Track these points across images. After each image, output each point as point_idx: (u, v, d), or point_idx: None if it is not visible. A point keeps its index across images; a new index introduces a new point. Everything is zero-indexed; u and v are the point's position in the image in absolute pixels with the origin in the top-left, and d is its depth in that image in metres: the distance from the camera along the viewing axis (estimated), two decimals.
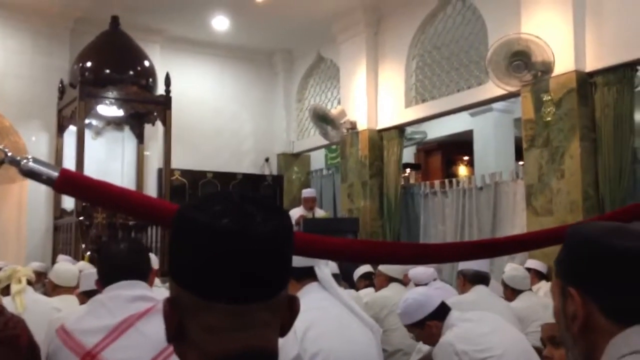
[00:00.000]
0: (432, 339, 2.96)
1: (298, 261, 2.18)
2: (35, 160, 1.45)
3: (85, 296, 3.43)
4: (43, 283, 5.01)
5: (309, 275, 2.23)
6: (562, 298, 1.08)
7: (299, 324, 2.06)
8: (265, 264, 0.86)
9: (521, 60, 6.01)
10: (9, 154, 1.45)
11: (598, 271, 1.04)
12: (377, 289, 5.01)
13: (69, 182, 1.45)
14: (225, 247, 0.84)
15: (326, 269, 2.27)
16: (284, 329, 0.92)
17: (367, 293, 5.07)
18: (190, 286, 0.86)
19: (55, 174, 1.43)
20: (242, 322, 0.86)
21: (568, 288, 1.06)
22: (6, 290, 3.93)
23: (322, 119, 8.43)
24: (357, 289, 5.40)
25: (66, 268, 4.60)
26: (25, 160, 1.44)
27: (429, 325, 2.93)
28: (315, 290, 2.22)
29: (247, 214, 0.86)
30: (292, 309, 0.92)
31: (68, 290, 4.44)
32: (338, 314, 2.21)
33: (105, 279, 2.07)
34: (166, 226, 1.68)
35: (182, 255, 0.88)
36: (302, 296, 2.22)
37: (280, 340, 2.15)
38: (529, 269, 5.45)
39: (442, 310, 2.94)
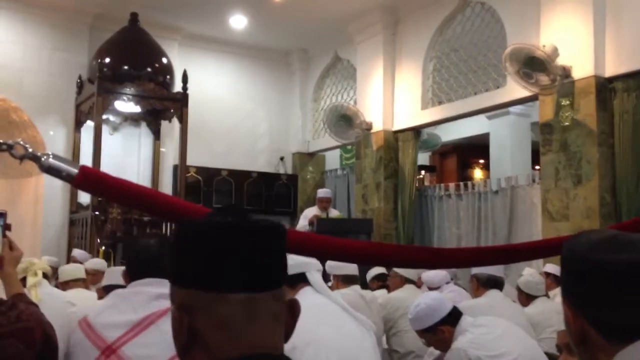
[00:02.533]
0: (443, 344, 2.94)
1: (290, 268, 2.21)
2: (55, 157, 1.45)
3: (104, 291, 3.45)
4: (55, 277, 5.06)
5: (301, 280, 2.31)
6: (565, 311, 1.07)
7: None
8: (269, 253, 0.94)
9: (530, 69, 5.96)
10: (30, 149, 1.46)
11: (584, 286, 1.02)
12: (391, 290, 5.00)
13: (88, 179, 1.45)
14: (232, 239, 0.91)
15: (317, 274, 2.34)
16: (287, 334, 0.97)
17: (381, 294, 5.06)
18: (201, 283, 0.91)
19: (75, 170, 1.43)
20: (253, 310, 0.91)
21: (564, 302, 1.05)
22: (22, 283, 3.96)
23: (343, 117, 8.41)
24: (371, 290, 5.40)
25: (69, 266, 4.79)
26: (45, 157, 1.45)
27: (441, 330, 2.92)
28: (309, 294, 2.30)
29: (246, 217, 0.95)
30: (292, 313, 0.98)
31: (77, 283, 4.50)
32: (332, 311, 2.27)
33: (133, 273, 2.07)
34: None
35: (190, 256, 0.93)
36: (297, 299, 2.25)
37: None
38: (547, 274, 5.41)
39: (454, 316, 2.92)
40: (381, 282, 5.57)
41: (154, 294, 1.95)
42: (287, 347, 2.02)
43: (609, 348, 1.00)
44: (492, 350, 2.73)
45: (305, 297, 2.25)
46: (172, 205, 1.53)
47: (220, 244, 0.91)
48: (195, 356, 0.91)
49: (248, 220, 0.93)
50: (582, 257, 1.02)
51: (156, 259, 2.03)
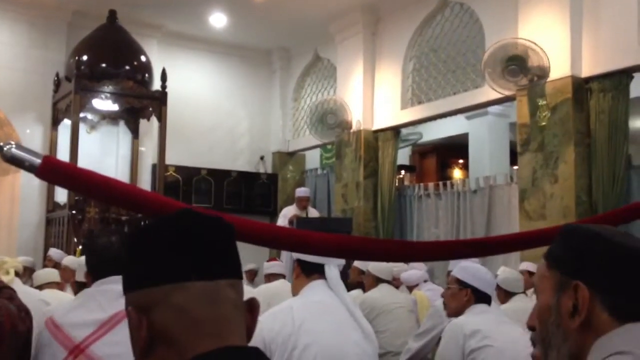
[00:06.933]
0: (451, 301, 2.99)
1: (310, 256, 2.23)
2: (19, 147, 1.43)
3: (78, 287, 3.41)
4: (30, 277, 5.01)
5: (318, 271, 2.31)
6: (558, 292, 1.07)
7: (297, 313, 2.12)
8: (221, 241, 0.94)
9: (517, 65, 6.01)
10: None
11: (612, 269, 1.04)
12: (365, 290, 5.00)
13: (52, 169, 1.43)
14: (182, 230, 0.92)
15: (335, 269, 2.34)
16: (249, 333, 0.96)
17: (357, 294, 5.04)
18: (156, 278, 0.91)
19: (38, 160, 1.41)
20: (212, 296, 0.90)
21: (574, 282, 1.05)
22: None
23: (329, 111, 8.40)
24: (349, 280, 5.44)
25: (43, 271, 4.75)
26: (8, 146, 1.43)
27: (464, 292, 2.96)
28: (320, 287, 2.30)
29: (190, 211, 0.97)
30: (252, 311, 0.96)
31: (51, 285, 4.46)
32: (338, 315, 2.26)
33: (96, 273, 2.04)
34: (151, 216, 1.68)
35: (143, 256, 0.93)
36: (307, 290, 2.28)
37: (278, 323, 2.15)
38: (522, 272, 5.44)
39: (483, 298, 2.95)
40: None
41: (121, 291, 1.92)
42: (289, 347, 2.02)
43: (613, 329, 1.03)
44: (486, 331, 2.79)
45: (316, 289, 2.28)
46: (139, 197, 1.52)
47: (172, 237, 0.91)
48: (162, 356, 0.89)
49: (194, 213, 0.95)
50: (609, 241, 1.06)
51: (119, 256, 1.99)
